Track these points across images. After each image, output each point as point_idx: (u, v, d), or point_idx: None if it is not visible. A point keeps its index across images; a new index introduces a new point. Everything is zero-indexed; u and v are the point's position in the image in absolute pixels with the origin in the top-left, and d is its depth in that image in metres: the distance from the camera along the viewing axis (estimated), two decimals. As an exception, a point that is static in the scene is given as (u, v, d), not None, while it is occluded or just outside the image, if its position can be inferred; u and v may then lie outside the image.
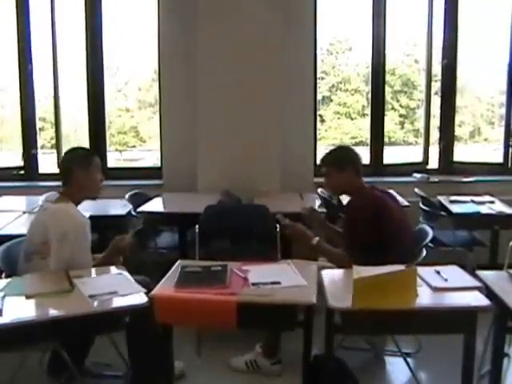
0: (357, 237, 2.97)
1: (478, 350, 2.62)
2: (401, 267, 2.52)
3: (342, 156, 3.24)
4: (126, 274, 2.70)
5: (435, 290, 2.48)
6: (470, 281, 2.58)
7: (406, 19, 5.44)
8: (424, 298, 2.41)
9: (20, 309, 2.32)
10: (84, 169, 2.93)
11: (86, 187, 2.96)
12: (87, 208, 3.23)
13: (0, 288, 2.48)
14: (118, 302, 2.40)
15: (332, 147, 3.45)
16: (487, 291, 2.47)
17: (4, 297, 2.37)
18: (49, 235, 2.76)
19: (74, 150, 3.21)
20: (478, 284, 2.53)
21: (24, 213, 4.15)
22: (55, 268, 2.71)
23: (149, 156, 6.41)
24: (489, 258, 4.19)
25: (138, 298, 2.41)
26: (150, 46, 5.22)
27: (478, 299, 2.38)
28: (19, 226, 3.76)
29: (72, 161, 2.99)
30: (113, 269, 2.80)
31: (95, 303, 2.36)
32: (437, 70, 5.39)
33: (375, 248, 2.86)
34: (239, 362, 3.23)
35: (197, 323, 2.69)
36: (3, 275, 2.79)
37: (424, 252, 3.04)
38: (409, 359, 3.21)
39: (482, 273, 2.65)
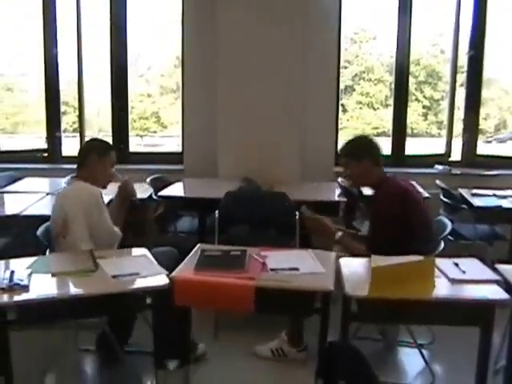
0: (386, 232, 2.96)
1: (496, 343, 2.62)
2: (419, 258, 2.53)
3: (359, 146, 3.21)
4: (149, 255, 2.76)
5: (453, 281, 2.47)
6: (488, 274, 2.57)
7: (433, 8, 5.37)
8: (441, 289, 2.41)
9: (45, 286, 2.39)
10: (100, 157, 3.11)
11: (98, 175, 3.10)
12: (108, 192, 3.29)
13: (27, 266, 2.55)
14: (139, 283, 2.45)
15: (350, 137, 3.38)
16: (506, 285, 2.45)
17: (31, 274, 2.44)
18: (67, 214, 2.91)
19: (96, 139, 3.47)
20: (496, 277, 2.51)
21: (47, 194, 4.22)
22: (81, 242, 2.87)
23: (169, 142, 6.45)
24: (508, 253, 4.16)
25: (160, 279, 2.46)
26: (173, 32, 5.23)
27: (496, 293, 2.37)
28: (42, 207, 3.84)
29: (92, 146, 3.22)
30: (136, 250, 2.86)
31: (117, 283, 2.41)
32: (463, 61, 5.32)
33: (403, 240, 2.85)
34: (264, 350, 3.24)
35: (215, 306, 2.72)
36: (48, 251, 2.93)
37: (442, 244, 3.02)
38: (422, 350, 3.21)
39: (501, 267, 2.62)
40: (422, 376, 3.15)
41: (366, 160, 3.11)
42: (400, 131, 5.38)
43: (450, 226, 3.24)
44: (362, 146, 3.20)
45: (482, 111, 5.44)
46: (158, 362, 2.55)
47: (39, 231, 3.00)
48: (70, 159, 5.38)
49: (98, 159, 3.09)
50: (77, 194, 2.99)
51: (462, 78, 5.40)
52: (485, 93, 5.39)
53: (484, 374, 2.42)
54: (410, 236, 2.90)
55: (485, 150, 5.40)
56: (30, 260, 2.64)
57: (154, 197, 4.26)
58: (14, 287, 2.28)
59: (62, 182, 4.48)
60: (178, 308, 2.46)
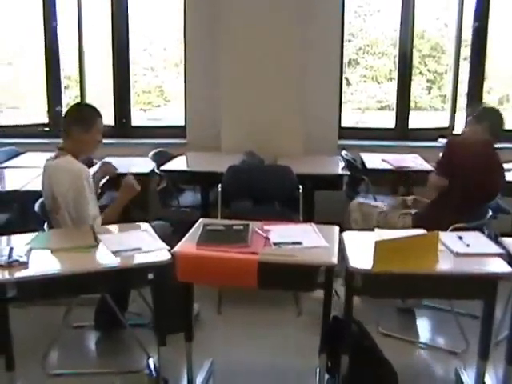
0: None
1: (497, 316, 2.61)
2: (423, 231, 2.52)
3: (486, 111, 3.56)
4: (150, 230, 2.73)
5: (456, 255, 2.46)
6: (492, 247, 2.56)
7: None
8: (445, 262, 2.40)
9: (45, 262, 2.37)
10: (85, 128, 2.95)
11: (83, 146, 3.00)
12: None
13: (27, 242, 2.53)
14: (140, 259, 2.43)
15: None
16: (509, 259, 2.45)
17: (30, 250, 2.43)
18: (54, 191, 2.87)
19: (78, 107, 3.28)
20: (500, 251, 2.50)
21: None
22: (70, 221, 2.85)
23: (173, 116, 6.40)
24: (512, 226, 4.15)
25: (161, 254, 2.44)
26: (175, 5, 5.16)
27: (499, 266, 2.36)
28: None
29: (75, 119, 2.99)
30: (137, 225, 2.84)
31: (118, 259, 2.39)
32: (467, 35, 5.26)
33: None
34: None
35: (218, 282, 2.71)
36: (45, 225, 2.90)
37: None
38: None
39: (504, 240, 2.62)
40: (456, 342, 3.13)
41: (484, 125, 3.40)
42: (404, 105, 5.35)
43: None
44: (488, 112, 3.53)
45: (486, 85, 5.39)
46: (159, 339, 2.54)
47: (37, 206, 2.97)
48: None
49: (83, 131, 2.94)
50: (62, 172, 2.89)
51: (465, 51, 5.34)
52: (488, 66, 5.33)
53: (487, 345, 2.43)
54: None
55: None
56: (29, 236, 2.62)
57: (157, 171, 4.24)
58: (12, 264, 2.27)
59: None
60: (180, 283, 2.45)
